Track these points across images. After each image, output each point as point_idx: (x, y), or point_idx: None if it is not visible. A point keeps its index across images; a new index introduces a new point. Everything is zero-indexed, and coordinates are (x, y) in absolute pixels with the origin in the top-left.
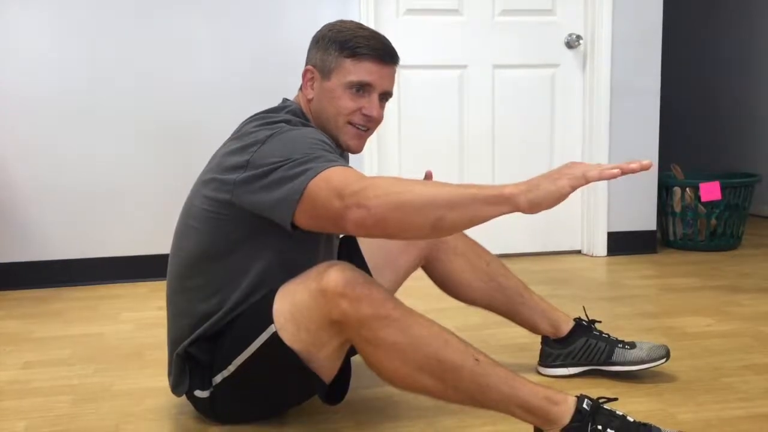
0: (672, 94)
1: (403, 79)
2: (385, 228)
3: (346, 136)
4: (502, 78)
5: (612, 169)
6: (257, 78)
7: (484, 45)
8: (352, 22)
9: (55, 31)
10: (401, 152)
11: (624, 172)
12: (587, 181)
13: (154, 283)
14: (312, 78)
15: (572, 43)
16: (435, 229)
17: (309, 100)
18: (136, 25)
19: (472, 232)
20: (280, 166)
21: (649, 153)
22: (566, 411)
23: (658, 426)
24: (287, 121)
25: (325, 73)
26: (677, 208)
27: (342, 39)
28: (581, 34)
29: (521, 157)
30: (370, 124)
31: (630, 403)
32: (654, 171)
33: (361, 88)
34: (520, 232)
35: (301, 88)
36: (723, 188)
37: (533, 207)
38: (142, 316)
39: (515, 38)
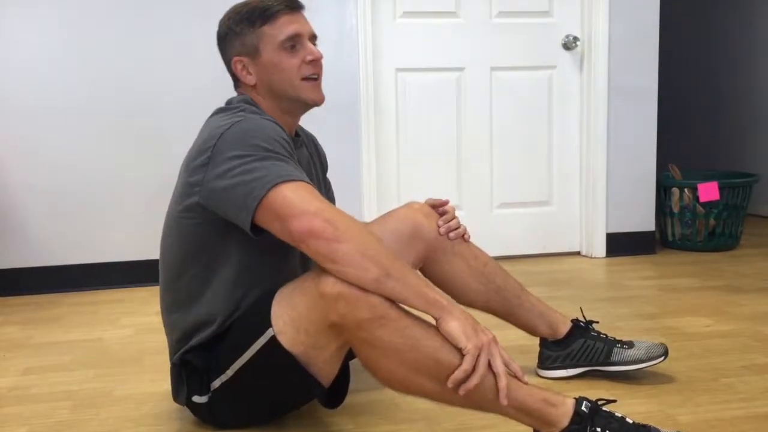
0: (669, 94)
1: (400, 81)
2: (338, 248)
3: (305, 92)
4: (499, 80)
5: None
6: None
7: (481, 47)
8: (240, 2)
9: (51, 36)
10: (399, 155)
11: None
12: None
13: (154, 287)
14: (244, 66)
15: (569, 44)
16: (371, 278)
17: (253, 87)
18: (133, 28)
19: (470, 234)
20: (238, 166)
21: (647, 153)
22: (565, 413)
23: (657, 427)
24: (243, 110)
25: (252, 52)
26: (676, 209)
27: (248, 14)
28: (578, 35)
29: (519, 159)
30: (317, 69)
31: (629, 405)
32: (652, 171)
33: (292, 41)
34: (519, 234)
35: (237, 86)
36: (721, 188)
37: (443, 329)
38: (142, 320)
39: (512, 40)
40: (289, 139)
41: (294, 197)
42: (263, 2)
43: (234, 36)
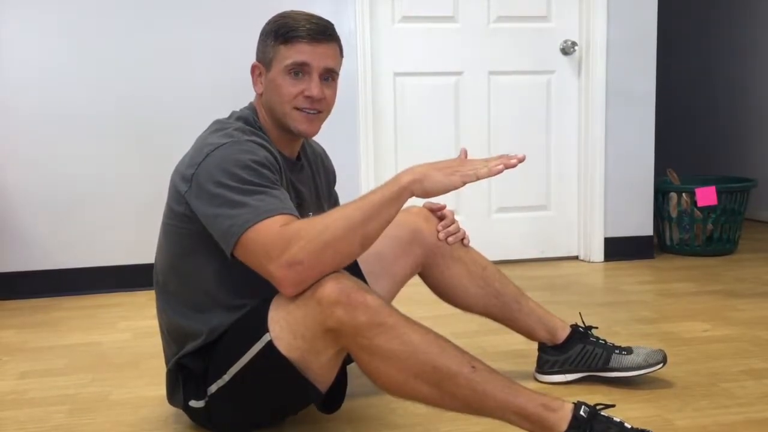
0: (667, 99)
1: (398, 86)
2: (323, 269)
3: (294, 122)
4: (497, 84)
5: (497, 165)
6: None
7: (479, 51)
8: (293, 11)
9: (50, 40)
10: (397, 159)
11: (506, 167)
12: (478, 179)
13: (151, 291)
14: (259, 73)
15: (567, 49)
16: (363, 246)
17: (260, 95)
18: (132, 33)
19: (469, 238)
20: (219, 195)
21: (645, 158)
22: (563, 418)
23: None
24: (237, 129)
25: (267, 64)
26: (673, 213)
27: (276, 28)
28: (576, 40)
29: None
30: (317, 105)
31: (627, 410)
32: (650, 176)
33: (299, 69)
34: (517, 238)
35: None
36: (719, 193)
37: (425, 194)
38: (140, 325)
39: (511, 45)
40: (275, 160)
41: (259, 250)
42: (295, 22)
43: (262, 42)
